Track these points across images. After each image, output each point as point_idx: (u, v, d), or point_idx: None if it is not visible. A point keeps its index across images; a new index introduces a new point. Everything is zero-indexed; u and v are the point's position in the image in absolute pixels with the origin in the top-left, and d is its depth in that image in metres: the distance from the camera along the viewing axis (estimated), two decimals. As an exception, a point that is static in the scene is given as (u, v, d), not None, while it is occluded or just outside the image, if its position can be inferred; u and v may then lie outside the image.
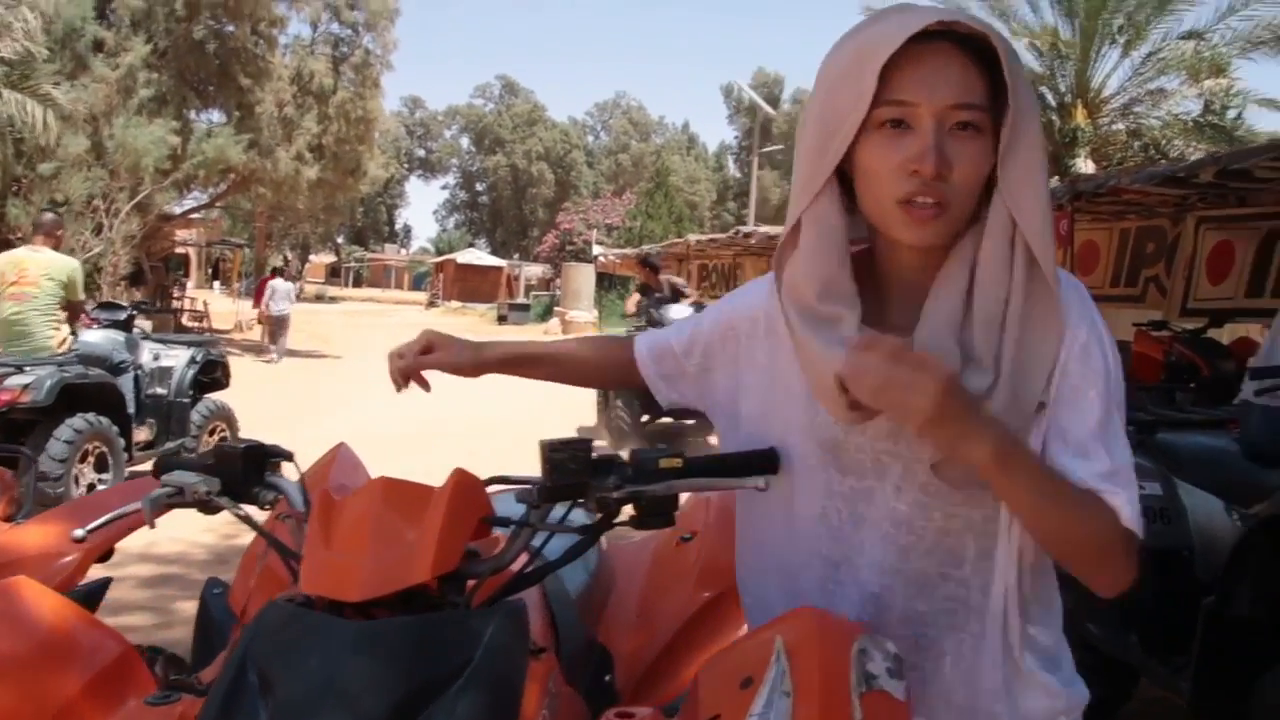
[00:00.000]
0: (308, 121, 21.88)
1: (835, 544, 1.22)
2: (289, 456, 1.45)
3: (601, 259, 25.91)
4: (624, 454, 1.27)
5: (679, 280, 12.17)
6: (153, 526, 1.42)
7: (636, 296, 11.41)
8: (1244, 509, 3.02)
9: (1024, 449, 1.07)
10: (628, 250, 26.07)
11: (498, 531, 1.30)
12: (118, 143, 16.87)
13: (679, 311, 9.57)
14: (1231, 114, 18.95)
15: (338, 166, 22.80)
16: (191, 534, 5.32)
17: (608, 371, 1.55)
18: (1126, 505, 1.09)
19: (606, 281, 31.96)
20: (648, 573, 2.21)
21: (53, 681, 1.34)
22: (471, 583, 1.23)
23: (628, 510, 1.23)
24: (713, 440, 13.67)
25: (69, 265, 6.44)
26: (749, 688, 1.15)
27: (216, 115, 22.22)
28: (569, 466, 1.18)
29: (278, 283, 19.33)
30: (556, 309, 32.78)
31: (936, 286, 1.12)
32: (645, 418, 9.82)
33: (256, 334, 22.28)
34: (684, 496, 1.89)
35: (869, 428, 1.15)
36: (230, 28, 20.45)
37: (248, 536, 1.63)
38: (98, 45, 17.66)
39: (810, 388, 1.18)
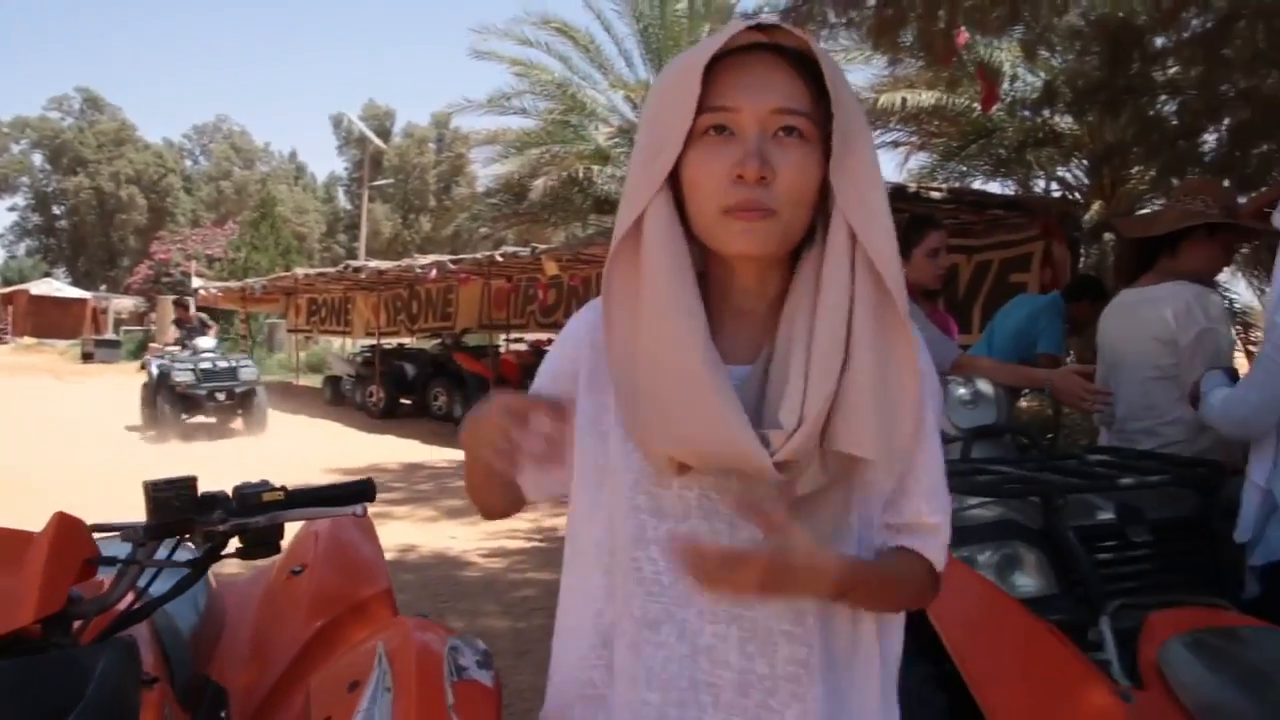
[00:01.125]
0: None
1: (650, 601, 1.10)
2: None
3: (203, 292, 24.24)
4: (228, 489, 1.39)
5: (205, 315, 15.94)
6: None
7: (174, 331, 14.72)
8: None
9: (863, 571, 1.06)
10: (231, 283, 24.66)
11: (104, 573, 1.36)
12: None
13: (206, 342, 13.66)
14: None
15: None
16: None
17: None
18: (941, 551, 1.14)
19: (209, 316, 29.92)
20: (259, 607, 2.27)
21: None
22: (79, 623, 1.28)
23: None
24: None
25: None
26: (355, 689, 1.32)
27: None
28: (173, 504, 1.28)
29: None
30: (152, 345, 30.11)
31: (785, 318, 1.06)
32: (184, 416, 12.98)
33: None
34: (293, 530, 1.99)
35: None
36: None
37: None
38: None
39: (625, 422, 1.09)
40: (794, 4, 4.93)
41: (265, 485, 1.37)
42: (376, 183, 37.40)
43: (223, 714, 1.93)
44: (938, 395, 1.16)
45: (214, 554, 1.35)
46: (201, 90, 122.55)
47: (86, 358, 32.26)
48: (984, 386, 3.25)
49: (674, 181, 1.06)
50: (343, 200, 62.95)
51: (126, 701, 1.19)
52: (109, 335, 37.50)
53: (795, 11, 4.86)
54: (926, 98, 11.40)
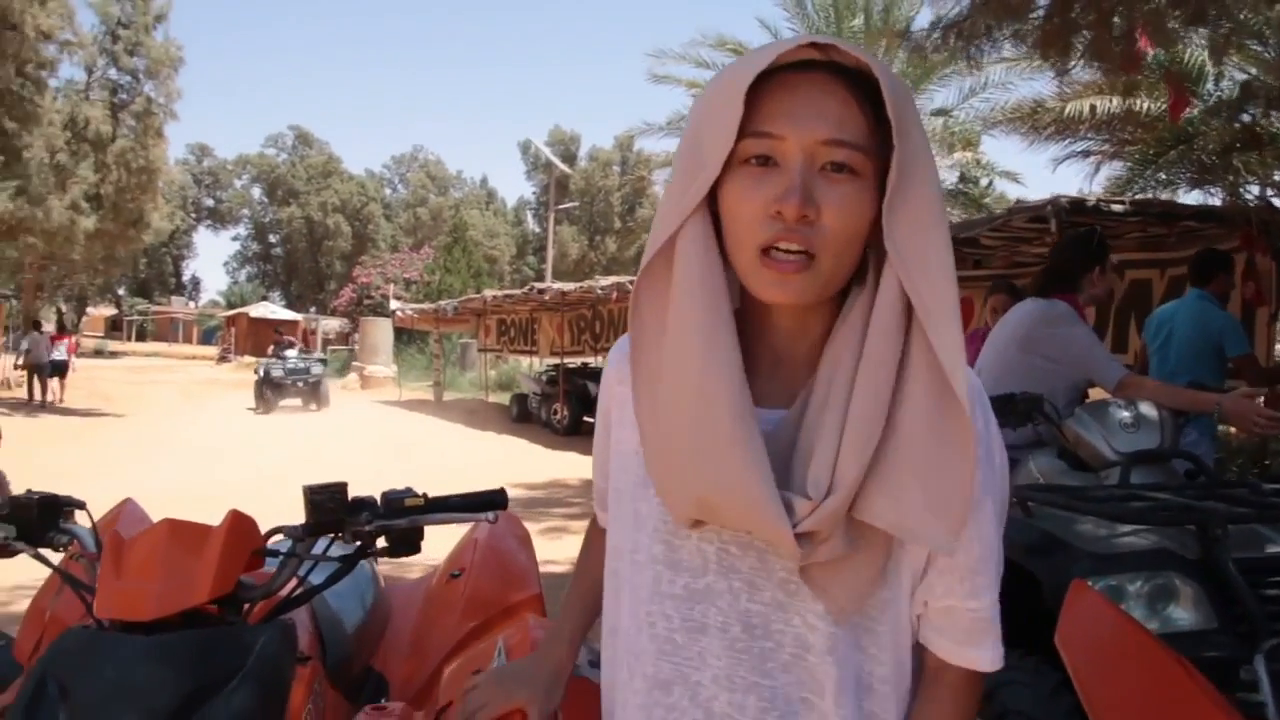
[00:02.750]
0: (84, 169, 20.84)
1: (662, 660, 1.03)
2: (82, 505, 1.65)
3: (399, 313, 25.71)
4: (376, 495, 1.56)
5: (290, 338, 21.66)
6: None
7: (272, 348, 20.75)
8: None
9: None
10: (425, 305, 26.00)
11: (271, 565, 1.56)
12: None
13: (291, 353, 20.50)
14: (984, 183, 21.09)
15: (118, 217, 21.77)
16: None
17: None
18: (980, 652, 1.03)
19: (405, 336, 31.70)
20: (421, 607, 2.48)
21: None
22: (248, 606, 1.48)
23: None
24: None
25: None
26: (476, 677, 1.46)
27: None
28: (327, 506, 1.46)
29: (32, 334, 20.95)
30: (354, 364, 32.16)
31: (825, 367, 0.96)
32: (277, 399, 20.15)
33: (23, 392, 20.89)
34: (451, 536, 2.17)
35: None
36: (-9, 68, 19.29)
37: (24, 605, 1.79)
38: None
39: (646, 464, 1.00)
40: (956, 18, 4.85)
41: (408, 492, 1.54)
42: (562, 205, 38.70)
43: (383, 700, 2.13)
44: (1002, 474, 1.04)
45: (363, 551, 1.53)
46: (399, 123, 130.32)
47: (297, 375, 34.70)
48: (1147, 409, 3.13)
49: (714, 205, 0.96)
50: (531, 223, 65.26)
51: (281, 674, 1.37)
52: (317, 354, 40.21)
53: (956, 26, 4.79)
54: (1117, 104, 10.87)
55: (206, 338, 62.81)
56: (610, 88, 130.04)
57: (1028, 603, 2.60)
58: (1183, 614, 2.42)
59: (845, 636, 0.98)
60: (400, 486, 1.58)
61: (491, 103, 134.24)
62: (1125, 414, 3.13)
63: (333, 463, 10.49)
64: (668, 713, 1.02)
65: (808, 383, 0.97)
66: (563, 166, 39.88)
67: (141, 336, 65.99)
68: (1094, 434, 3.12)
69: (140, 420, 17.71)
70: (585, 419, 17.45)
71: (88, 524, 1.64)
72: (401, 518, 1.51)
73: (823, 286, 0.94)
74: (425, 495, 1.55)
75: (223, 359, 47.33)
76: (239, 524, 1.44)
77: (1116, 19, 4.82)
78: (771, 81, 0.92)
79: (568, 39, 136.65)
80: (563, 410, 17.16)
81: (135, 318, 67.30)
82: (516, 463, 12.71)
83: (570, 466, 12.57)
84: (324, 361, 23.23)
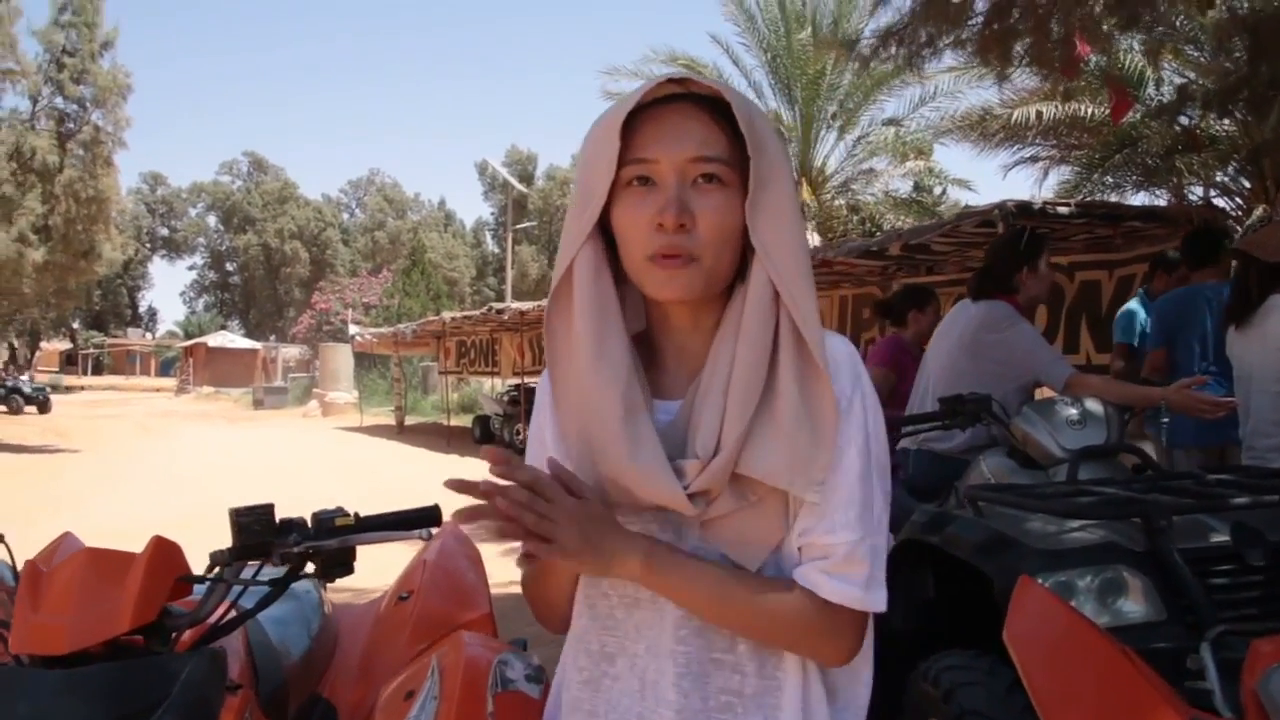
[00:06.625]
0: (30, 200, 20.47)
1: (606, 635, 1.15)
2: (0, 538, 1.60)
3: (358, 338, 25.49)
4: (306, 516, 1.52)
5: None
6: None
7: None
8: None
9: (672, 554, 1.06)
10: (385, 329, 25.81)
11: (201, 592, 1.52)
12: None
13: None
14: (937, 190, 21.36)
15: (68, 248, 21.35)
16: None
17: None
18: (830, 581, 1.06)
19: (366, 361, 31.42)
20: (369, 631, 2.43)
21: None
22: (175, 635, 1.43)
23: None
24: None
25: None
26: (410, 699, 1.43)
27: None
28: (253, 529, 1.43)
29: None
30: (315, 390, 31.83)
31: (712, 354, 1.09)
32: None
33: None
34: (394, 556, 2.12)
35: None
36: (-71, 97, 18.97)
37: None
38: None
39: (565, 460, 1.09)
40: (893, 27, 4.90)
41: (339, 511, 1.51)
42: (520, 225, 38.63)
43: (330, 729, 2.09)
44: (878, 426, 1.12)
45: (293, 574, 1.49)
46: (355, 146, 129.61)
47: (257, 404, 34.37)
48: (1092, 405, 3.15)
49: (608, 228, 1.11)
50: (490, 244, 65.18)
51: (209, 704, 1.33)
52: (278, 382, 39.86)
53: (897, 34, 4.84)
54: (1062, 109, 11.05)
55: (165, 369, 61.95)
56: (566, 106, 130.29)
57: (982, 603, 2.61)
58: (1132, 606, 2.43)
59: None
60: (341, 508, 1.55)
61: (448, 123, 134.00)
62: (1072, 411, 3.16)
63: (291, 490, 10.33)
64: (614, 682, 1.14)
65: (701, 371, 1.11)
66: (520, 186, 39.87)
67: (98, 370, 64.88)
68: (1041, 432, 3.14)
69: (95, 455, 17.39)
70: (549, 438, 17.33)
71: (6, 557, 1.59)
72: (332, 538, 1.47)
73: (705, 281, 1.07)
74: (356, 514, 1.52)
75: (181, 390, 46.72)
76: (162, 550, 1.40)
77: (1054, 24, 4.90)
78: (642, 116, 1.07)
79: (523, 58, 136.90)
80: (525, 430, 17.09)
81: (91, 351, 66.19)
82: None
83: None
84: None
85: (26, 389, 24.73)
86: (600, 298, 1.09)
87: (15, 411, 23.61)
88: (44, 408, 24.94)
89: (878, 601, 1.09)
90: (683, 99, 1.08)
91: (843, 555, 1.07)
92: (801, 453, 1.03)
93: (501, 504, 0.97)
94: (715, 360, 1.08)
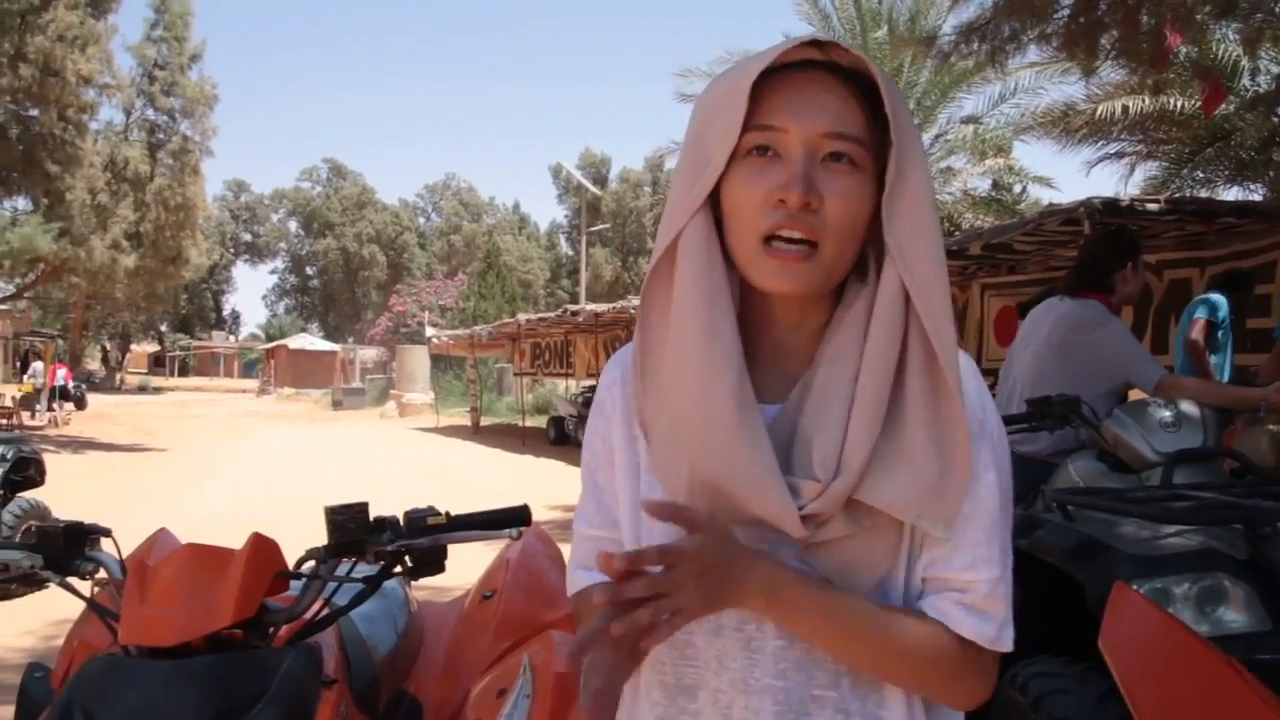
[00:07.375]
0: (124, 209, 21.25)
1: (684, 665, 1.01)
2: (107, 532, 1.66)
3: (435, 340, 25.89)
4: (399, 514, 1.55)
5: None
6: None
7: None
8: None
9: (800, 585, 0.93)
10: (460, 331, 26.16)
11: (293, 589, 1.55)
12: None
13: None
14: (1017, 189, 20.91)
15: (158, 254, 22.16)
16: (8, 639, 5.18)
17: None
18: (969, 618, 0.97)
19: (442, 363, 31.90)
20: (454, 629, 2.46)
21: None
22: (274, 629, 1.47)
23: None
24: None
25: None
26: (502, 697, 1.45)
27: (22, 203, 21.32)
28: (349, 527, 1.46)
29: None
30: (392, 392, 32.41)
31: (824, 358, 0.98)
32: None
33: (71, 429, 21.40)
34: (481, 556, 2.15)
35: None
36: (34, 112, 19.74)
37: (63, 636, 1.79)
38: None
39: (651, 460, 1.02)
40: (975, 23, 4.81)
41: (430, 510, 1.53)
42: (594, 228, 38.84)
43: (416, 723, 2.12)
44: (1007, 449, 1.03)
45: (387, 571, 1.52)
46: (432, 152, 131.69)
47: (336, 405, 35.12)
48: (1188, 408, 3.05)
49: (716, 204, 0.98)
50: (564, 247, 65.54)
51: (306, 697, 1.36)
52: (355, 384, 40.69)
53: (980, 30, 4.75)
54: (1149, 103, 10.73)
55: (247, 371, 63.69)
56: (639, 109, 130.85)
57: (1071, 609, 2.55)
58: (1234, 616, 2.35)
59: None
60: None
61: (522, 127, 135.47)
62: (1166, 413, 3.06)
63: (371, 488, 10.58)
64: (693, 719, 1.01)
65: (805, 374, 0.99)
66: (594, 189, 40.09)
67: (184, 372, 67.09)
68: (1134, 435, 3.05)
69: (183, 454, 17.94)
70: (621, 439, 17.36)
71: (114, 551, 1.65)
72: (424, 536, 1.49)
73: (824, 277, 0.96)
74: (447, 514, 1.54)
75: (263, 391, 47.96)
76: (261, 547, 1.44)
77: (1144, 15, 4.76)
78: (772, 80, 0.95)
79: (596, 61, 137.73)
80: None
81: (178, 353, 68.44)
82: (553, 485, 12.71)
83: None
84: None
85: (70, 387, 25.97)
86: (712, 275, 0.96)
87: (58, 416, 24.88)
88: (80, 404, 26.15)
89: (1008, 641, 0.99)
90: (819, 66, 0.96)
91: (984, 593, 0.97)
92: (930, 483, 0.93)
93: (618, 629, 0.82)
94: (829, 366, 0.97)
